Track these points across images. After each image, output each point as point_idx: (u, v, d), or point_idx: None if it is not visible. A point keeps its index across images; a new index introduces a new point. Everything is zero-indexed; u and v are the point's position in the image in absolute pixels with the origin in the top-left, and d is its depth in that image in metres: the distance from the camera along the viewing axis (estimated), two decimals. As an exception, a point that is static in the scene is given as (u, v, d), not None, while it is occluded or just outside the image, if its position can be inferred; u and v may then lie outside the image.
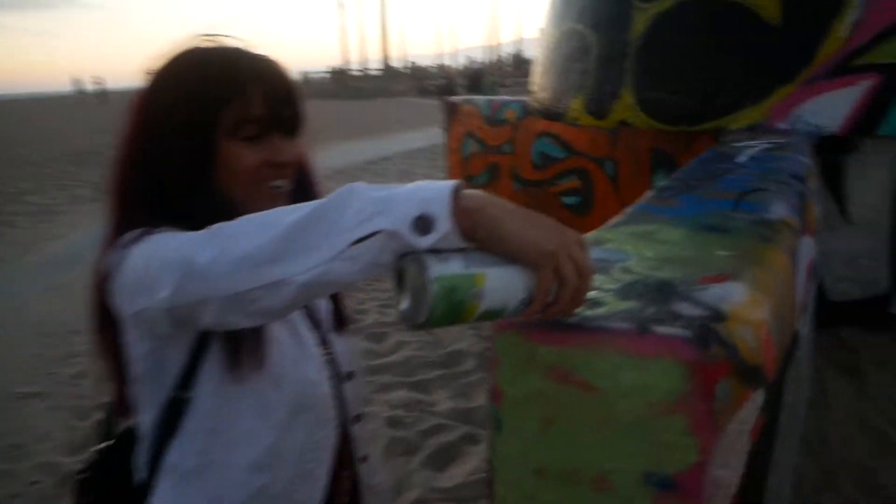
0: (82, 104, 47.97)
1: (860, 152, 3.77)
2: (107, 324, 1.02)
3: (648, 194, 1.53)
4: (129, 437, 1.13)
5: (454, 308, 0.64)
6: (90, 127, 23.77)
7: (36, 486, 3.01)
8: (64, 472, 3.01)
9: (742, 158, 1.99)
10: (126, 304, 0.94)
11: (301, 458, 1.08)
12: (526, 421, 0.84)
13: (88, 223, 7.94)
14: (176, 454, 1.01)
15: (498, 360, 0.85)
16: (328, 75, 55.31)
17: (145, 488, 1.03)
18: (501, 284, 0.67)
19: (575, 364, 0.79)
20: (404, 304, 0.67)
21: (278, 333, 1.03)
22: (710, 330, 0.75)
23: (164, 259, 0.86)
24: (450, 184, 0.67)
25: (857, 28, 2.67)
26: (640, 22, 3.05)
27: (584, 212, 5.29)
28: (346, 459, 1.24)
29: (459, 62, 65.58)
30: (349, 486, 1.26)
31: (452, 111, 6.48)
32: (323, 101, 35.93)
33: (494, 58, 62.26)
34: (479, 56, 63.08)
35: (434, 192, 0.67)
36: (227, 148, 0.99)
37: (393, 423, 3.36)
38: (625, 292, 0.88)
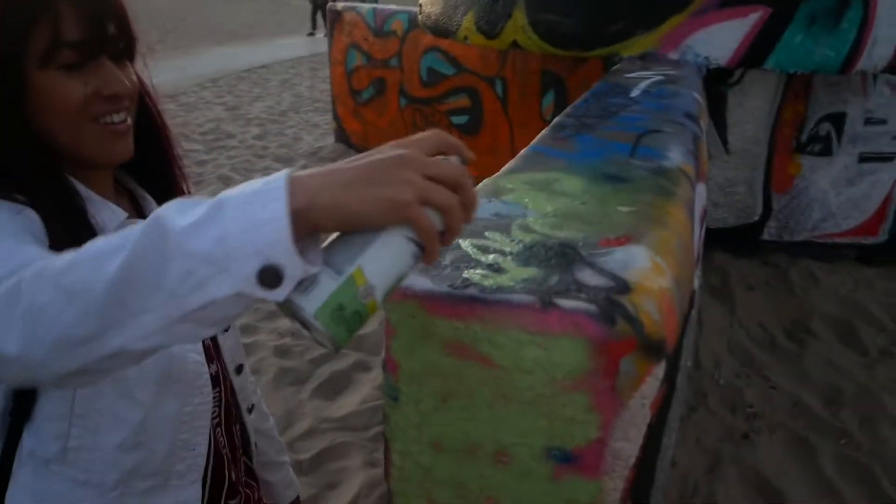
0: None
1: (740, 82, 3.89)
2: None
3: (544, 133, 1.48)
4: None
5: (354, 318, 0.56)
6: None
7: None
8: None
9: (636, 93, 1.98)
10: None
11: (177, 429, 1.00)
12: (423, 394, 0.80)
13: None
14: (32, 441, 0.91)
15: (393, 331, 0.79)
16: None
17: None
18: (383, 262, 0.57)
19: (475, 339, 0.74)
20: (309, 334, 0.58)
21: None
22: (615, 304, 0.72)
23: None
24: (280, 202, 0.53)
25: (748, -41, 2.69)
26: (536, -62, 2.93)
27: (473, 132, 5.25)
28: (234, 413, 1.17)
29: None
30: (241, 437, 1.20)
31: (336, 19, 6.15)
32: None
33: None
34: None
35: (269, 226, 0.52)
36: (42, 81, 0.83)
37: (281, 352, 3.28)
38: (526, 257, 0.83)
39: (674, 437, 1.19)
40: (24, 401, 0.89)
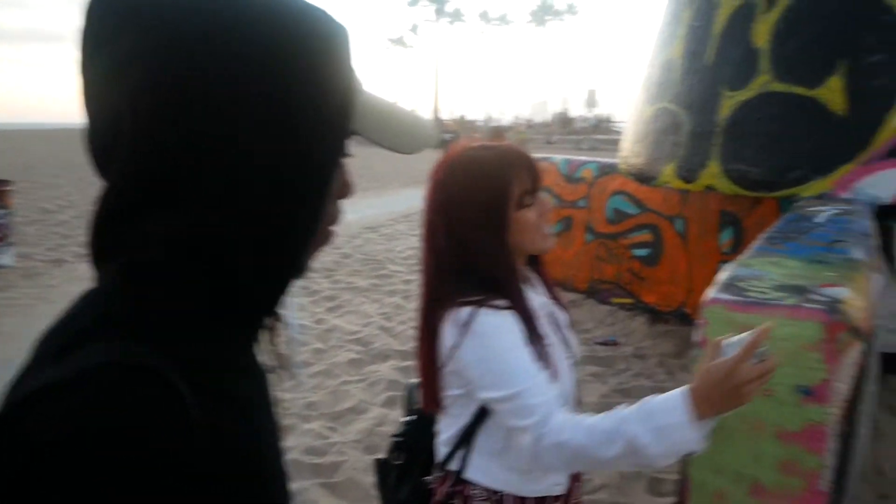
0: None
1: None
2: (432, 347, 1.35)
3: (760, 239, 2.18)
4: (426, 417, 1.52)
5: None
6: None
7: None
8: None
9: (820, 219, 2.63)
10: (468, 384, 1.31)
11: None
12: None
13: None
14: (483, 439, 1.37)
15: (706, 322, 1.50)
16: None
17: (448, 458, 1.41)
18: None
19: (757, 322, 1.43)
20: None
21: (551, 340, 1.37)
22: (835, 305, 1.40)
23: (514, 399, 1.22)
24: (693, 426, 1.10)
25: (909, 121, 3.32)
26: (727, 107, 3.73)
27: (652, 263, 5.92)
28: None
29: (506, 118, 66.91)
30: None
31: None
32: (374, 147, 37.02)
33: (541, 116, 63.50)
34: (528, 114, 64.39)
35: (693, 437, 1.10)
36: (517, 215, 1.33)
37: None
38: (776, 289, 1.53)
39: (867, 422, 1.75)
40: (481, 416, 1.36)
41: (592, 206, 6.36)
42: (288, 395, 4.17)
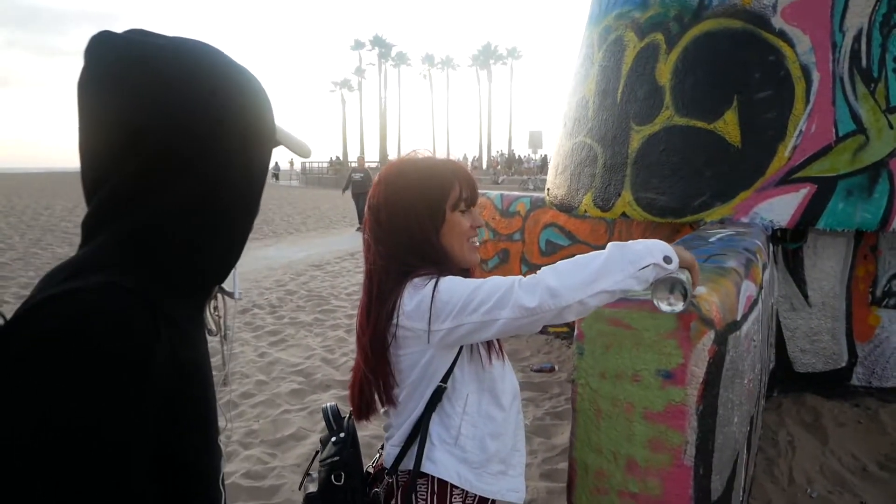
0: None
1: (813, 246, 4.66)
2: (384, 339, 1.42)
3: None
4: (353, 435, 1.57)
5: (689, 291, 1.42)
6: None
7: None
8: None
9: (712, 239, 2.90)
10: (441, 323, 1.34)
11: (515, 433, 1.55)
12: (596, 347, 1.69)
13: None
14: (439, 428, 1.45)
15: (581, 319, 1.70)
16: (327, 165, 57.45)
17: (400, 457, 1.47)
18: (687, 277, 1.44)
19: (623, 316, 1.65)
20: (668, 302, 1.39)
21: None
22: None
23: (490, 294, 1.29)
24: (662, 242, 1.33)
25: (796, 151, 3.66)
26: (636, 140, 4.04)
27: (585, 292, 6.18)
28: None
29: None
30: None
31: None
32: (322, 189, 37.36)
33: (488, 157, 64.54)
34: (475, 155, 65.34)
35: (664, 245, 1.31)
36: (452, 218, 1.48)
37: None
38: (645, 290, 1.75)
39: (746, 400, 1.98)
40: (436, 400, 1.44)
41: (527, 239, 6.63)
42: (230, 425, 4.24)
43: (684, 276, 1.36)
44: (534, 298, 1.26)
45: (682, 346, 1.61)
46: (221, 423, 0.89)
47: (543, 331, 6.39)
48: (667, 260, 1.31)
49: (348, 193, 16.39)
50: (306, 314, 7.41)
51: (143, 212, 0.81)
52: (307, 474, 1.59)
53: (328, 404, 1.68)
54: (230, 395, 4.81)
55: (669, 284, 1.36)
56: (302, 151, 1.04)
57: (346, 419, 1.63)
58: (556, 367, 5.47)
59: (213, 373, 1.03)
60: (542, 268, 1.32)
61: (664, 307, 1.37)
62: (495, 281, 1.33)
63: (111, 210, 0.82)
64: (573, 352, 1.75)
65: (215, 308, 0.96)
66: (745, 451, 2.47)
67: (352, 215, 18.66)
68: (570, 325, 6.36)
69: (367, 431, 3.78)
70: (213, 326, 0.96)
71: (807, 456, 3.74)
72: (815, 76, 3.69)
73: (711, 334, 1.64)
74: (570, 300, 1.27)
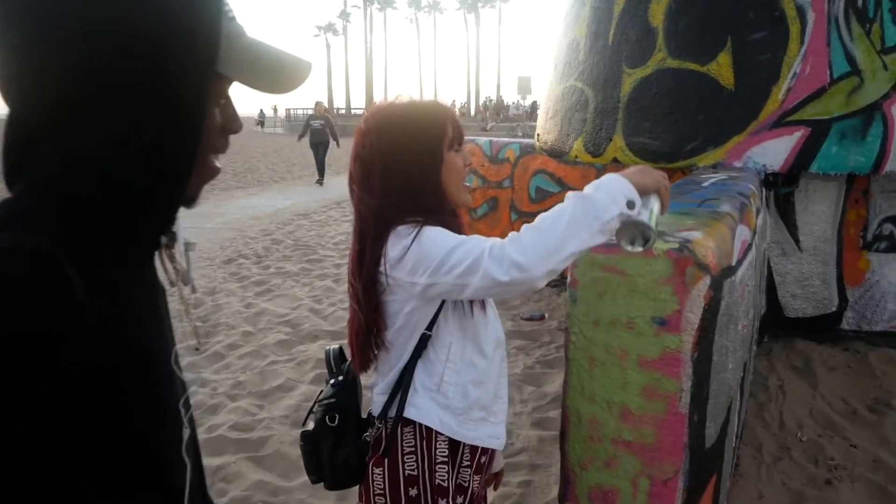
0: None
1: (806, 189, 4.63)
2: (374, 286, 1.44)
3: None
4: (353, 380, 1.62)
5: (656, 229, 1.34)
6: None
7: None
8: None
9: (706, 184, 2.85)
10: (419, 276, 1.35)
11: (498, 381, 1.57)
12: (590, 294, 1.64)
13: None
14: (423, 375, 1.48)
15: (575, 264, 1.65)
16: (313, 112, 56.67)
17: (386, 406, 1.50)
18: (657, 206, 1.36)
19: (617, 262, 1.60)
20: (631, 243, 1.30)
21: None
22: (684, 244, 1.57)
23: (462, 258, 1.28)
24: (623, 179, 1.26)
25: (790, 94, 3.59)
26: (628, 83, 3.94)
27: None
28: None
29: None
30: None
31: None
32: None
33: (476, 103, 63.90)
34: (462, 101, 64.67)
35: (625, 185, 1.24)
36: (449, 156, 1.48)
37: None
38: (639, 234, 1.70)
39: (739, 346, 1.96)
40: (421, 347, 1.46)
41: (516, 186, 6.55)
42: (216, 377, 4.22)
43: (648, 211, 1.30)
44: (502, 272, 1.26)
45: (678, 292, 1.56)
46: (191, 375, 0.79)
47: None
48: (630, 205, 1.25)
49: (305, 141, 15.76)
50: (293, 264, 7.36)
51: (56, 151, 0.70)
52: (311, 412, 1.63)
53: (331, 346, 1.71)
54: (217, 346, 4.78)
55: (630, 235, 1.30)
56: (271, 85, 0.79)
57: (347, 363, 1.66)
58: (547, 315, 5.47)
59: (183, 325, 0.97)
60: (510, 233, 1.30)
61: (628, 249, 1.33)
62: (471, 243, 1.32)
63: (23, 154, 0.71)
64: (566, 299, 1.70)
65: (171, 259, 0.82)
66: (739, 398, 2.46)
67: (337, 164, 18.44)
68: (562, 273, 6.33)
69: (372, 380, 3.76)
70: (172, 279, 0.83)
71: (797, 400, 3.78)
72: (810, 16, 3.60)
73: (707, 280, 1.59)
74: (538, 272, 1.25)
